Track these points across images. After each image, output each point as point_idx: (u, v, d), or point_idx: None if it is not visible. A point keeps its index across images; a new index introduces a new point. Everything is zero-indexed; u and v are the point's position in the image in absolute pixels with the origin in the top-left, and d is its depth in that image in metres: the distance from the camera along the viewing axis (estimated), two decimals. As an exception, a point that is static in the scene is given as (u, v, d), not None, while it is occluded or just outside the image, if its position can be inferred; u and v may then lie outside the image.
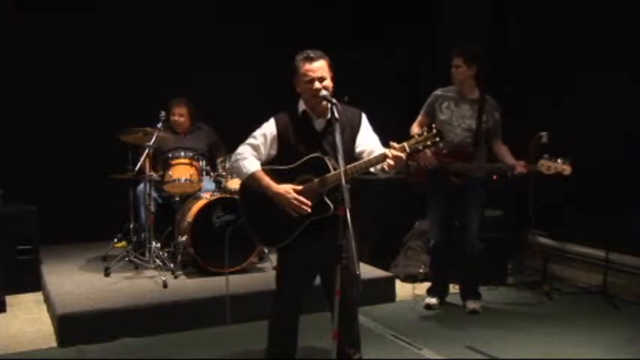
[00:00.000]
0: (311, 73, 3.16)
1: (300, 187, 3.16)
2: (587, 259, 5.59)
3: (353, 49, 6.54)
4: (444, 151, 4.61)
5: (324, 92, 3.14)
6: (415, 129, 4.66)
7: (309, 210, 3.12)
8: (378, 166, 3.13)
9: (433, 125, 3.06)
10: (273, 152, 3.27)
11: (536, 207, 5.03)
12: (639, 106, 5.12)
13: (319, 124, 3.26)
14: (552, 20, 5.88)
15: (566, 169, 4.27)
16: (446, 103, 4.71)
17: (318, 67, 3.17)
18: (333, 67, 3.22)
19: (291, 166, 3.20)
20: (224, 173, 5.44)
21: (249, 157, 3.24)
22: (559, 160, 4.26)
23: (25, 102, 6.05)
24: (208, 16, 6.64)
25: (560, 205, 5.73)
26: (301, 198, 3.12)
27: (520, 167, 4.43)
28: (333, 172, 3.09)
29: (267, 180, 3.19)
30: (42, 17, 6.07)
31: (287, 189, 3.15)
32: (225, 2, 6.67)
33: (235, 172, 3.38)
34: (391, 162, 3.02)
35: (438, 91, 4.79)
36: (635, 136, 5.13)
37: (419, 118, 4.80)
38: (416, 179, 4.82)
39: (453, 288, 5.06)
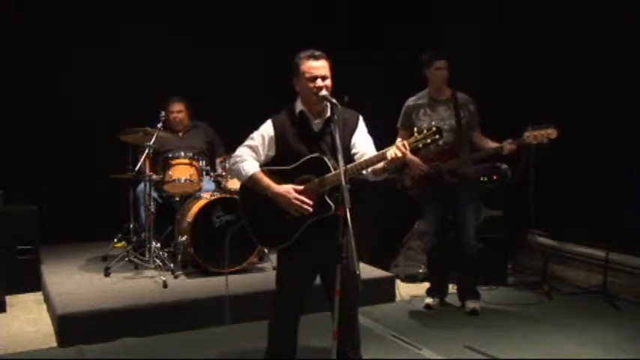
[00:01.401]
0: (314, 71, 3.16)
1: (300, 187, 3.16)
2: (587, 259, 5.59)
3: (353, 50, 6.55)
4: (432, 155, 4.63)
5: (324, 92, 3.14)
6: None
7: (311, 209, 3.12)
8: (369, 168, 3.14)
9: (433, 123, 3.05)
10: (272, 153, 3.27)
11: (536, 207, 5.03)
12: (638, 105, 5.12)
13: (317, 125, 3.26)
14: (552, 20, 5.88)
15: (552, 133, 4.27)
16: (422, 110, 4.74)
17: (322, 66, 3.18)
18: (332, 68, 3.23)
19: (291, 166, 3.20)
20: (224, 173, 5.44)
21: (247, 159, 3.24)
22: (543, 127, 4.28)
23: (25, 102, 6.06)
24: (208, 16, 6.64)
25: (560, 205, 5.74)
26: (302, 197, 3.12)
27: (508, 145, 4.41)
28: (333, 171, 3.09)
29: (266, 181, 3.19)
30: (42, 17, 6.07)
31: (287, 189, 3.15)
32: (225, 2, 6.67)
33: (234, 174, 3.39)
34: (392, 154, 2.98)
35: (410, 102, 4.82)
36: (635, 136, 5.14)
37: (400, 134, 4.75)
38: (412, 191, 4.84)
39: (452, 288, 5.06)
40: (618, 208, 5.15)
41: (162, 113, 5.38)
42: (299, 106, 3.27)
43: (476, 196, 4.81)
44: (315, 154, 3.17)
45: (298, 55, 3.23)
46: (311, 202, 3.12)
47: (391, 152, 2.98)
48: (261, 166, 3.26)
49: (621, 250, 5.22)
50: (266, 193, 3.18)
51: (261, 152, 3.26)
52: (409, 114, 4.79)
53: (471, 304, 4.79)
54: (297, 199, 3.12)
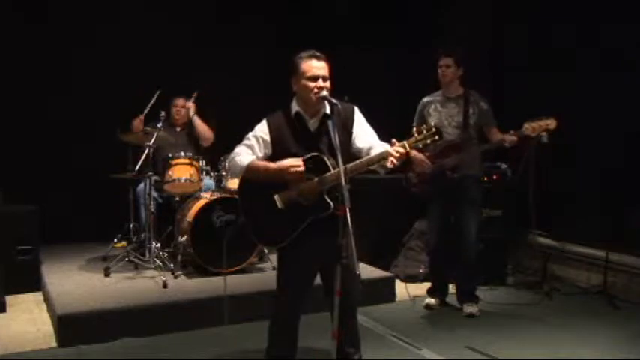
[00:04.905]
0: (316, 71, 3.15)
1: (299, 161, 3.12)
2: (587, 259, 5.59)
3: (353, 49, 6.55)
4: (436, 151, 4.64)
5: (324, 92, 3.13)
6: None
7: (302, 168, 3.10)
8: (378, 164, 3.13)
9: (432, 124, 3.08)
10: (269, 152, 3.26)
11: (536, 207, 5.03)
12: (638, 106, 5.12)
13: (312, 125, 3.25)
14: (552, 19, 5.88)
15: (551, 124, 4.28)
16: (433, 106, 4.77)
17: (323, 66, 3.18)
18: (332, 69, 3.22)
19: None
20: (224, 173, 5.45)
21: (243, 154, 3.24)
22: (542, 119, 4.29)
23: (25, 102, 6.06)
24: (208, 16, 6.65)
25: (560, 205, 5.74)
26: (293, 162, 3.10)
27: (509, 137, 4.41)
28: (332, 171, 3.09)
29: (263, 164, 3.19)
30: (42, 17, 6.07)
31: (282, 163, 3.12)
32: (225, 2, 6.67)
33: (232, 171, 3.38)
34: (394, 160, 3.01)
35: (425, 99, 4.86)
36: (635, 136, 5.13)
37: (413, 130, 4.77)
38: (417, 189, 4.84)
39: (453, 288, 5.05)
40: (618, 208, 5.15)
41: (162, 113, 5.38)
42: (295, 106, 3.26)
43: (478, 196, 4.80)
44: (315, 154, 3.16)
45: (298, 54, 3.22)
46: (302, 164, 3.10)
47: (392, 153, 2.99)
48: None
49: (621, 250, 5.22)
50: (267, 175, 3.16)
51: (257, 151, 3.25)
52: (422, 111, 4.84)
53: (468, 308, 4.77)
54: (292, 166, 3.10)
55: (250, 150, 3.25)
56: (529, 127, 4.30)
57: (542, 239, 5.94)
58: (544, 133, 4.35)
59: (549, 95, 5.79)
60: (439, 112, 4.73)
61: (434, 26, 6.84)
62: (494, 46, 6.50)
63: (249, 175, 3.23)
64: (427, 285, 5.10)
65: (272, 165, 3.16)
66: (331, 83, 3.19)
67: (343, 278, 2.88)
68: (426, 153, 4.66)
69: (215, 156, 5.84)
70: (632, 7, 5.15)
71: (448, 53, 4.69)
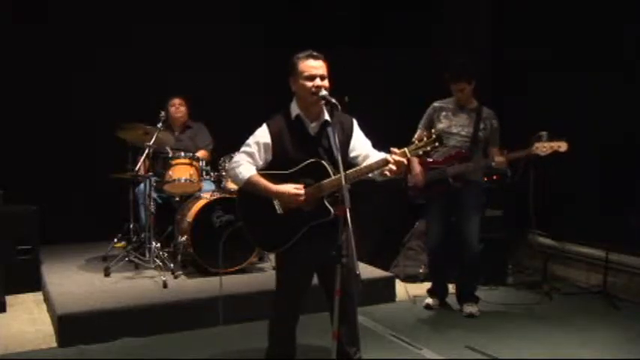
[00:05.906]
0: (314, 70, 3.13)
1: (301, 186, 3.14)
2: (587, 259, 5.59)
3: (353, 49, 6.54)
4: (442, 158, 4.65)
5: (323, 92, 3.12)
6: None
7: (303, 197, 3.09)
8: (377, 171, 3.13)
9: (433, 130, 3.09)
10: (270, 158, 3.24)
11: (536, 207, 5.04)
12: (638, 106, 5.12)
13: (313, 129, 3.23)
14: (553, 19, 5.88)
15: (562, 146, 4.30)
16: (444, 113, 4.76)
17: (321, 66, 3.16)
18: (331, 69, 3.21)
19: (290, 171, 3.17)
20: (224, 173, 5.44)
21: (244, 164, 3.21)
22: (554, 140, 4.31)
23: (26, 102, 6.06)
24: (208, 16, 6.65)
25: (560, 205, 5.74)
26: (295, 191, 3.09)
27: (496, 155, 4.51)
28: (333, 176, 3.07)
29: (263, 182, 3.16)
30: (42, 17, 6.07)
31: (286, 188, 3.13)
32: (225, 2, 6.67)
33: (232, 180, 3.38)
34: (393, 167, 3.01)
35: (436, 104, 4.83)
36: (635, 136, 5.14)
37: (418, 132, 4.78)
38: (414, 193, 4.84)
39: (453, 288, 5.05)
40: (618, 208, 5.15)
41: (162, 113, 5.38)
42: (295, 109, 3.24)
43: (480, 199, 4.81)
44: (315, 159, 3.14)
45: (296, 55, 3.21)
46: (303, 191, 3.10)
47: (392, 167, 3.00)
48: (260, 170, 3.23)
49: (621, 250, 5.22)
50: (265, 195, 3.17)
51: (258, 158, 3.22)
52: (431, 115, 4.81)
53: (468, 309, 4.77)
54: (295, 194, 3.09)
55: (251, 158, 3.22)
56: (539, 147, 4.33)
57: (542, 239, 5.94)
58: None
59: (549, 95, 5.80)
60: (450, 119, 4.72)
61: (434, 26, 6.84)
62: (494, 46, 6.50)
63: (248, 188, 3.21)
64: (427, 285, 5.11)
65: (272, 187, 3.13)
66: (331, 83, 3.18)
67: (343, 278, 2.88)
68: (431, 158, 4.66)
69: (215, 156, 5.86)
70: (633, 7, 5.15)
71: (459, 78, 4.62)
